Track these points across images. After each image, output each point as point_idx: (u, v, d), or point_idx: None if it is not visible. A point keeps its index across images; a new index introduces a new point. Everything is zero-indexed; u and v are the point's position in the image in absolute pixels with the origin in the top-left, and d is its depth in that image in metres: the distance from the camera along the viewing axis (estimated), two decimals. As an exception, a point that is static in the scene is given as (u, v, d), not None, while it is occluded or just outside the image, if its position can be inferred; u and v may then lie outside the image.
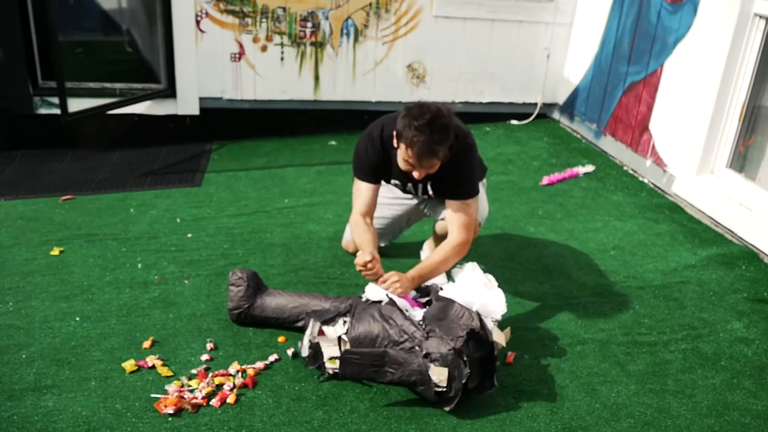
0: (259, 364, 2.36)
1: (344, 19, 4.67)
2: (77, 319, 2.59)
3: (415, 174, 2.49)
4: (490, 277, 2.52)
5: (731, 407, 2.29)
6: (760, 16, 3.47)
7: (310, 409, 2.18)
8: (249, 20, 4.55)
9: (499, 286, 2.48)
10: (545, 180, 4.17)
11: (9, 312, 2.61)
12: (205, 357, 2.40)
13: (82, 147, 4.48)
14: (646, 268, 3.19)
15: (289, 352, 2.43)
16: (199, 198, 3.75)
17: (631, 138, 4.37)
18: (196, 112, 4.65)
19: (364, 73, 4.84)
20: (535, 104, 5.25)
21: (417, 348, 2.19)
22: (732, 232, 3.48)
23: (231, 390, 2.24)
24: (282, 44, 4.65)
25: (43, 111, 4.40)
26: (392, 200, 3.00)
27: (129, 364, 2.32)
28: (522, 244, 3.35)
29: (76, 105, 4.08)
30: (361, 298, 2.46)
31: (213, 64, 4.59)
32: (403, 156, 2.47)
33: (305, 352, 2.34)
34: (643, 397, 2.32)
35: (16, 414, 2.09)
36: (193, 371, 2.32)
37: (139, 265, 3.00)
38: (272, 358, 2.40)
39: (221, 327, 2.58)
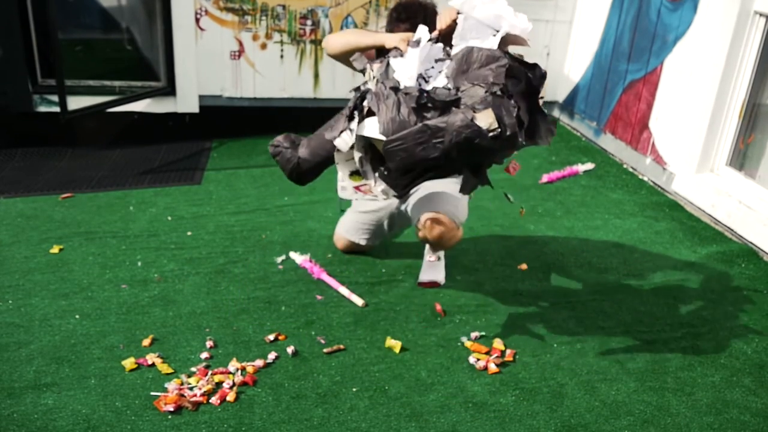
0: (259, 362, 2.37)
1: (344, 16, 4.66)
2: (77, 316, 2.59)
3: None
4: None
5: (730, 405, 2.30)
6: (760, 14, 3.46)
7: (309, 407, 2.19)
8: (248, 18, 4.54)
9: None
10: (545, 178, 4.17)
11: (9, 310, 2.62)
12: (204, 355, 2.40)
13: (82, 145, 4.48)
14: (646, 266, 3.19)
15: (289, 350, 2.43)
16: (199, 196, 3.75)
17: (631, 136, 4.37)
18: (195, 110, 4.64)
19: (363, 71, 4.83)
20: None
21: (453, 108, 2.05)
22: (731, 230, 3.48)
23: (231, 388, 2.24)
24: (282, 42, 4.65)
25: (42, 109, 4.40)
26: (369, 203, 3.00)
27: (129, 362, 2.33)
28: (522, 241, 3.35)
29: (75, 103, 4.08)
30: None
31: (212, 62, 4.58)
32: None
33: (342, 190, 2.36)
34: (642, 394, 2.32)
35: (15, 412, 2.10)
36: (193, 369, 2.32)
37: (139, 263, 3.00)
38: (272, 356, 2.40)
39: (221, 325, 2.58)
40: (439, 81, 2.16)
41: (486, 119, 1.99)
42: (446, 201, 2.60)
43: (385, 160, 2.03)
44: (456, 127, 2.01)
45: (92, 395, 2.19)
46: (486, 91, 2.04)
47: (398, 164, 2.03)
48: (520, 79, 2.11)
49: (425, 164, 2.07)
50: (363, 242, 3.06)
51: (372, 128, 2.11)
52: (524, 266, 3.09)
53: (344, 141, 2.23)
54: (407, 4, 2.63)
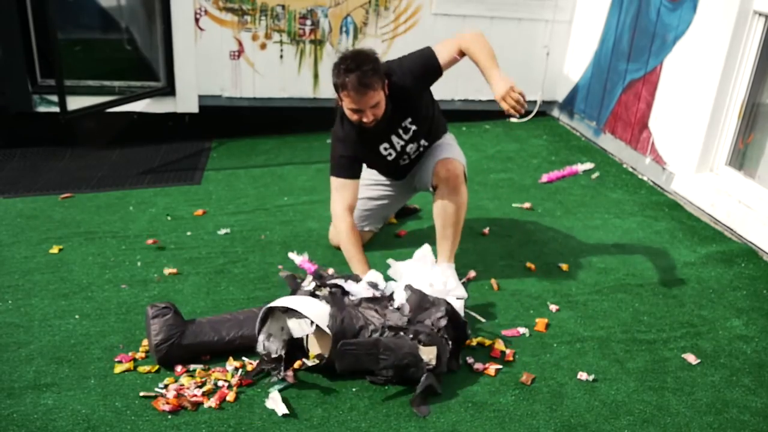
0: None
1: (343, 16, 4.67)
2: (77, 317, 2.59)
3: (365, 119, 2.61)
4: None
5: (730, 404, 2.30)
6: (760, 14, 3.46)
7: (309, 407, 2.18)
8: (248, 18, 4.55)
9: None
10: (544, 178, 4.17)
11: (8, 310, 2.62)
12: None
13: (81, 145, 4.48)
14: (646, 265, 3.19)
15: (289, 349, 2.43)
16: (199, 196, 3.75)
17: (631, 135, 4.37)
18: (195, 110, 4.64)
19: (363, 71, 4.83)
20: (535, 102, 5.25)
21: (402, 333, 2.29)
22: (731, 229, 3.49)
23: (230, 388, 2.24)
24: (281, 42, 4.65)
25: (42, 109, 4.40)
26: (375, 183, 3.12)
27: (128, 362, 2.33)
28: (521, 241, 3.35)
29: (75, 103, 4.08)
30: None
31: (212, 62, 4.58)
32: (347, 105, 2.62)
33: (265, 347, 2.29)
34: (642, 394, 2.32)
35: (15, 412, 2.10)
36: (193, 369, 2.32)
37: (139, 263, 3.00)
38: (272, 355, 2.40)
39: (221, 325, 2.58)
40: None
41: (428, 354, 2.24)
42: (451, 151, 2.90)
43: (337, 358, 2.21)
44: (402, 352, 2.23)
45: (92, 395, 2.19)
46: (432, 329, 2.31)
47: (344, 366, 2.22)
48: (457, 328, 2.40)
49: (363, 369, 2.28)
50: (366, 229, 3.16)
51: (322, 321, 2.27)
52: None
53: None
54: (353, 55, 2.57)
